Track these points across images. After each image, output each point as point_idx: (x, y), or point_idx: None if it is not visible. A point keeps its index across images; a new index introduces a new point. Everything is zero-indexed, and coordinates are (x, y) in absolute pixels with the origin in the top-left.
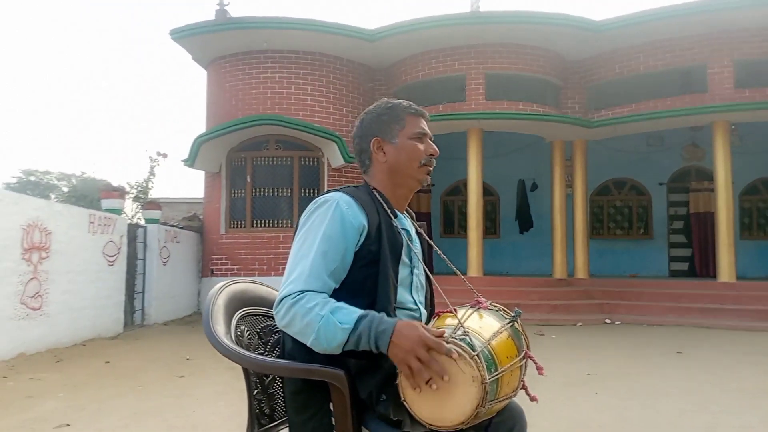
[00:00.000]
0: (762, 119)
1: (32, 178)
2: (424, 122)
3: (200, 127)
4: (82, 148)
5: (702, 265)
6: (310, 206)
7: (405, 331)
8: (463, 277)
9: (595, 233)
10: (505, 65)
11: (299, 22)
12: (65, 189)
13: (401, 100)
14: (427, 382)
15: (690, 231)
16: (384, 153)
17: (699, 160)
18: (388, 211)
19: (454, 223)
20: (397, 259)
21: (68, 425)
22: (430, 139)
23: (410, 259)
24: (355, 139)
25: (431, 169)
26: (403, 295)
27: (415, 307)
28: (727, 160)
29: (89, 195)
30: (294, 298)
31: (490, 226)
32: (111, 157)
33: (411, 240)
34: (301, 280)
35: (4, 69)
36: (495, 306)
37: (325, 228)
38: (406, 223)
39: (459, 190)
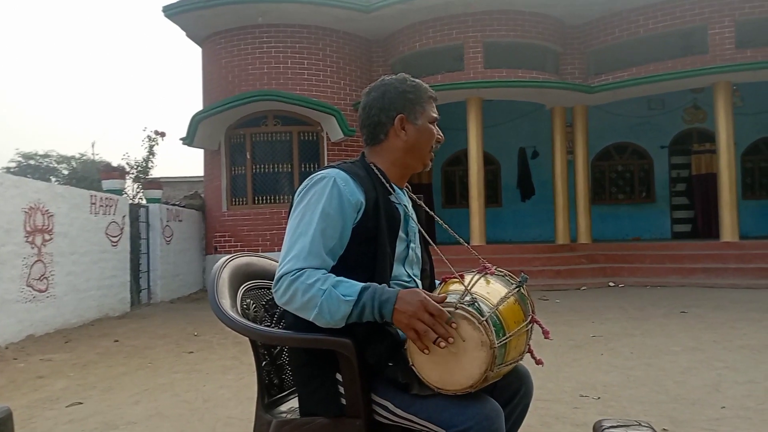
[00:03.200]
0: (763, 79)
1: (32, 162)
2: (436, 107)
3: (198, 105)
4: (81, 129)
5: (705, 226)
6: (306, 182)
7: (408, 298)
8: (467, 244)
9: (597, 198)
10: (503, 33)
11: None
12: (65, 171)
13: (420, 81)
14: (434, 342)
15: (692, 193)
16: (405, 132)
17: (700, 122)
18: (387, 185)
19: (455, 194)
20: (394, 235)
21: (80, 403)
22: (438, 124)
23: (407, 234)
24: (372, 109)
25: (434, 155)
26: (397, 269)
27: (408, 279)
28: (729, 120)
29: (89, 176)
30: (293, 275)
31: (492, 195)
32: (110, 137)
33: (408, 214)
34: (300, 258)
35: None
36: (501, 271)
37: (323, 205)
38: (403, 197)
39: (460, 160)
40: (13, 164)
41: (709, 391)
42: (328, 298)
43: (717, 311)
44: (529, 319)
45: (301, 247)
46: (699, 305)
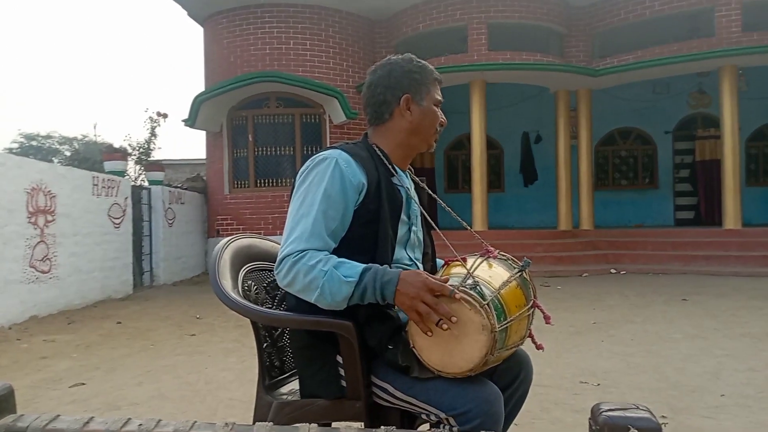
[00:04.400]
0: None
1: (34, 143)
2: (440, 90)
3: (200, 86)
4: (82, 110)
5: (708, 213)
6: (308, 163)
7: (409, 279)
8: (469, 228)
9: (600, 184)
10: (508, 14)
11: None
12: (67, 153)
13: (427, 63)
14: (437, 324)
15: (696, 179)
16: (410, 112)
17: (705, 107)
18: (389, 167)
19: (458, 178)
20: (396, 217)
21: (83, 384)
22: (441, 108)
23: (408, 217)
24: (377, 88)
25: (438, 137)
26: (399, 251)
27: (410, 263)
28: (734, 105)
29: (91, 158)
30: (295, 257)
31: (495, 179)
32: (112, 118)
33: (410, 197)
34: (302, 240)
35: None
36: (504, 255)
37: (325, 187)
38: (405, 180)
39: (462, 144)
40: (16, 145)
41: (709, 378)
42: (329, 279)
43: (718, 299)
44: (530, 304)
45: (303, 228)
46: (700, 293)
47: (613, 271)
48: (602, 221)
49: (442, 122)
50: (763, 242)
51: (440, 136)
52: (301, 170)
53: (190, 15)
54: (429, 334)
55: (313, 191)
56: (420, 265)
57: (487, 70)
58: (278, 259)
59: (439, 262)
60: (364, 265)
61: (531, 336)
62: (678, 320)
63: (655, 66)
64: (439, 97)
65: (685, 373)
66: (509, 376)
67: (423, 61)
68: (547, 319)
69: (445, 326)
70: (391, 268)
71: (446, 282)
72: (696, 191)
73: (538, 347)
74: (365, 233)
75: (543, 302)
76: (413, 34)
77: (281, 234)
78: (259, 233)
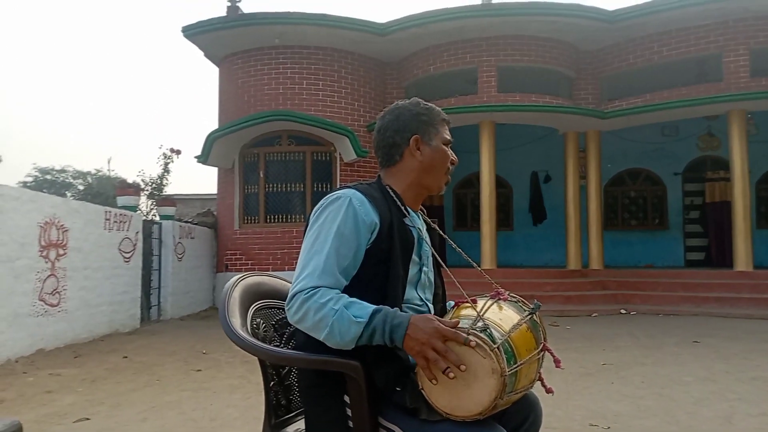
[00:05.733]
0: None
1: (48, 177)
2: (449, 130)
3: (213, 124)
4: (97, 145)
5: (718, 255)
6: (323, 202)
7: (420, 324)
8: (479, 268)
9: (610, 224)
10: (517, 57)
11: (310, 17)
12: (81, 187)
13: (434, 105)
14: (444, 372)
15: (706, 221)
16: (420, 152)
17: (714, 150)
18: (402, 208)
19: (467, 217)
20: (407, 258)
21: (88, 419)
22: (451, 147)
23: (420, 257)
24: (387, 131)
25: (450, 178)
26: (410, 292)
27: (421, 303)
28: (744, 149)
29: (105, 192)
30: (307, 293)
31: (504, 218)
32: (126, 154)
33: (422, 238)
34: (314, 276)
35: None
36: (514, 297)
37: (338, 225)
38: (417, 220)
39: (472, 182)
40: (30, 179)
41: (721, 422)
42: (339, 318)
43: (730, 341)
44: (540, 347)
45: (315, 265)
46: (712, 335)
47: (623, 311)
48: (612, 261)
49: (453, 161)
50: None
51: (450, 175)
52: (316, 208)
53: (207, 56)
54: (434, 382)
55: (326, 229)
56: (430, 306)
57: (496, 111)
58: (289, 295)
59: (449, 303)
60: (374, 306)
61: (541, 379)
62: (689, 363)
63: (664, 109)
64: (448, 137)
65: (697, 418)
66: (518, 419)
67: (430, 104)
68: (557, 362)
69: (452, 375)
70: (402, 307)
71: (456, 325)
72: (706, 233)
73: (548, 391)
74: (376, 272)
75: (552, 342)
76: (424, 75)
77: (290, 269)
78: (268, 268)
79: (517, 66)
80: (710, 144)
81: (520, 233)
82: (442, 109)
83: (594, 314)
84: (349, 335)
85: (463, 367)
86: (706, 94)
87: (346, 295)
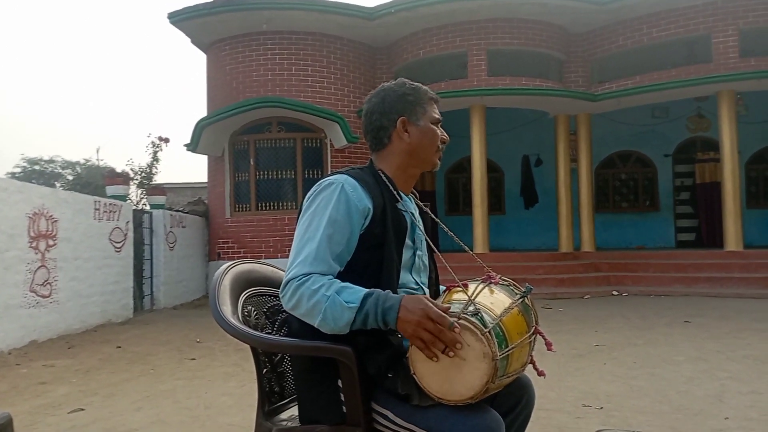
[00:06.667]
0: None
1: (36, 167)
2: (438, 109)
3: (202, 112)
4: (86, 134)
5: (709, 235)
6: (315, 188)
7: (410, 306)
8: (471, 252)
9: (601, 207)
10: (507, 41)
11: (299, 1)
12: (70, 177)
13: (420, 84)
14: (443, 351)
15: (696, 202)
16: (408, 133)
17: (704, 131)
18: (394, 193)
19: (459, 201)
20: (401, 242)
21: (82, 409)
22: (442, 126)
23: (413, 242)
24: (373, 115)
25: (442, 154)
26: (404, 276)
27: (416, 287)
28: (733, 129)
29: (94, 182)
30: (300, 280)
31: (495, 202)
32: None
33: (415, 222)
34: (306, 263)
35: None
36: (506, 280)
37: (331, 211)
38: (410, 204)
39: (463, 167)
40: (18, 169)
41: (713, 401)
42: (331, 304)
43: (721, 321)
44: (532, 331)
45: (308, 252)
46: (703, 315)
47: (615, 293)
48: (603, 243)
49: (444, 139)
50: (764, 264)
51: (441, 159)
52: (308, 195)
53: (194, 42)
54: (435, 359)
55: (319, 215)
56: (426, 290)
57: (486, 95)
58: (283, 282)
59: (441, 288)
60: (366, 291)
61: (533, 362)
62: (680, 342)
63: (654, 91)
64: (437, 116)
65: (688, 396)
66: (511, 401)
67: (416, 83)
68: (548, 345)
69: (451, 354)
70: (397, 292)
71: (447, 310)
72: (696, 213)
73: (540, 374)
74: (371, 257)
75: (544, 325)
76: (413, 60)
77: (282, 257)
78: (260, 256)
79: (507, 49)
80: (700, 125)
81: (512, 217)
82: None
83: (586, 296)
84: (342, 321)
85: (459, 345)
86: (696, 75)
87: (338, 281)
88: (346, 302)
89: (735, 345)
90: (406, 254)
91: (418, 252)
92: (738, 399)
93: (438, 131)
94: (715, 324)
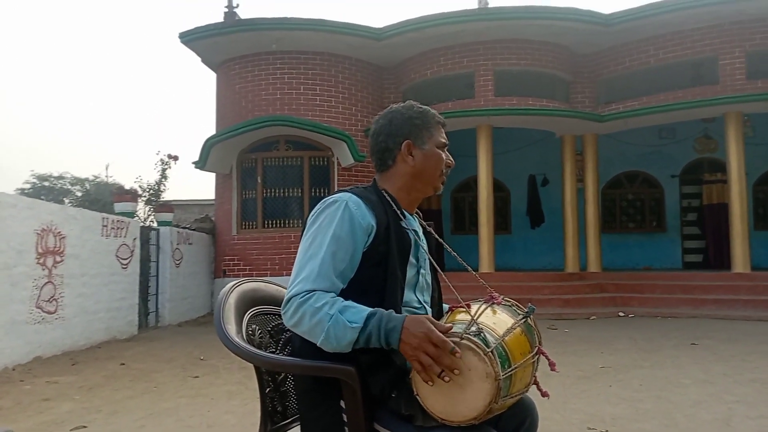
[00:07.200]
0: None
1: (46, 184)
2: (445, 132)
3: (211, 130)
4: (95, 151)
5: (716, 257)
6: (319, 206)
7: (412, 328)
8: (474, 272)
9: (607, 227)
10: (514, 61)
11: (307, 22)
12: (78, 193)
13: (428, 108)
14: (439, 375)
15: (703, 223)
16: (412, 157)
17: (712, 152)
18: (398, 211)
19: (465, 220)
20: (404, 260)
21: (85, 427)
22: (448, 149)
23: (417, 260)
24: (380, 136)
25: (445, 179)
26: (408, 294)
27: (419, 305)
28: (740, 151)
29: (102, 199)
30: (302, 297)
31: (501, 221)
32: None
33: (419, 240)
34: (309, 280)
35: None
36: (508, 301)
37: (334, 228)
38: (414, 223)
39: (469, 186)
40: (28, 186)
41: (720, 425)
42: (334, 323)
43: (728, 343)
44: (535, 351)
45: (311, 269)
46: (710, 337)
47: (621, 314)
48: (610, 264)
49: (448, 164)
50: None
51: (447, 178)
52: (312, 212)
53: (204, 61)
54: (430, 383)
55: (322, 233)
56: (428, 309)
57: (493, 115)
58: (285, 299)
59: (445, 307)
60: (369, 310)
61: (536, 383)
62: (687, 365)
63: (661, 112)
64: (443, 140)
65: (695, 420)
66: (514, 423)
67: (424, 107)
68: (552, 365)
69: (447, 378)
70: (400, 310)
71: (450, 330)
72: (704, 235)
73: (544, 395)
74: (374, 275)
75: (550, 346)
76: (421, 80)
77: (288, 275)
78: (266, 274)
79: (514, 70)
80: (707, 146)
81: (518, 236)
82: (439, 113)
83: (592, 317)
84: (345, 340)
85: (457, 372)
86: (703, 96)
87: (341, 299)
88: (349, 322)
89: (742, 368)
90: (410, 272)
91: (422, 270)
92: (746, 423)
93: (443, 155)
94: (722, 346)
